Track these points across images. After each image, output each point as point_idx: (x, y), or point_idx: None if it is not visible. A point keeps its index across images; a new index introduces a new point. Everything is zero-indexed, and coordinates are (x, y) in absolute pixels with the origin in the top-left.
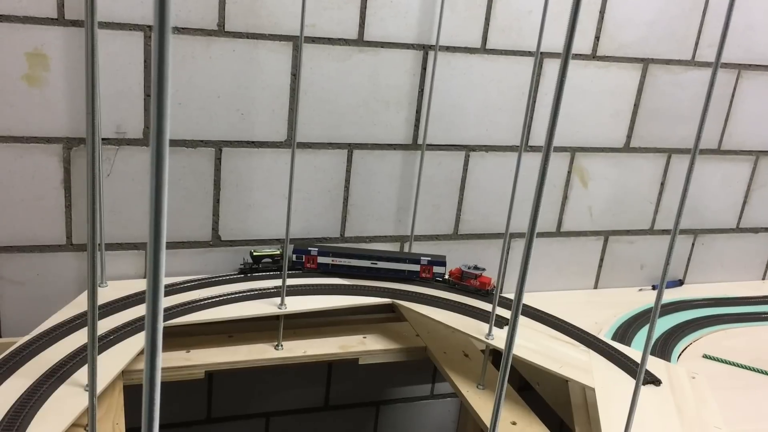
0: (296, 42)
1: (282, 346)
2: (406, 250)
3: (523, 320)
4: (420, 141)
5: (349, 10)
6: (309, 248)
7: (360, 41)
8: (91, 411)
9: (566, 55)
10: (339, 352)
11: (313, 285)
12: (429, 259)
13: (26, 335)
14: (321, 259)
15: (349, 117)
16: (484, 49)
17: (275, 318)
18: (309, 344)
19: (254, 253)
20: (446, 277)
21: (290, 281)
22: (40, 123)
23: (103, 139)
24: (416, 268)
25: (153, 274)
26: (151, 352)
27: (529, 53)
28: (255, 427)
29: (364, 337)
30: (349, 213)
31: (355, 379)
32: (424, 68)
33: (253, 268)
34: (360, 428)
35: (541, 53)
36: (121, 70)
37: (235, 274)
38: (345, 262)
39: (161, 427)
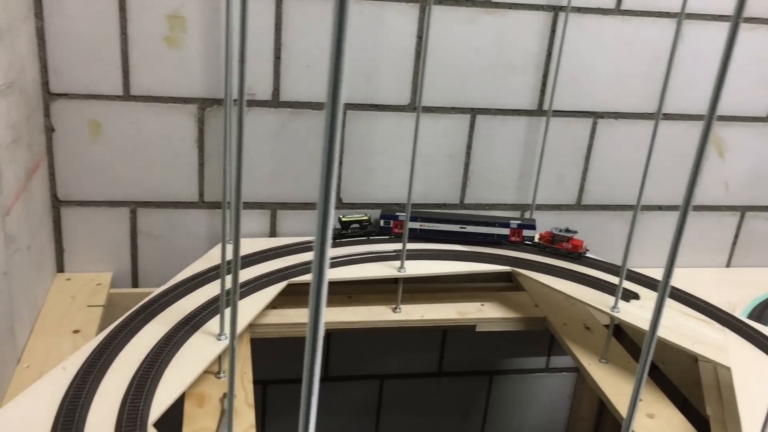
0: (423, 4)
1: (400, 309)
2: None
3: (650, 294)
4: (546, 107)
5: None
6: (397, 213)
7: (487, 2)
8: (231, 362)
9: (737, 17)
10: (456, 318)
11: (429, 250)
12: (519, 222)
13: (161, 286)
14: (409, 224)
15: (473, 81)
16: (618, 10)
17: (393, 282)
18: (426, 309)
19: (343, 219)
20: (536, 240)
21: (379, 246)
22: (178, 84)
23: (234, 100)
24: (506, 231)
25: (321, 235)
26: (315, 309)
27: (666, 14)
28: (370, 388)
29: (482, 305)
30: (469, 179)
31: (470, 347)
32: (553, 30)
33: (342, 234)
34: (472, 397)
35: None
36: (253, 33)
37: (357, 236)
38: (433, 226)
39: (282, 381)
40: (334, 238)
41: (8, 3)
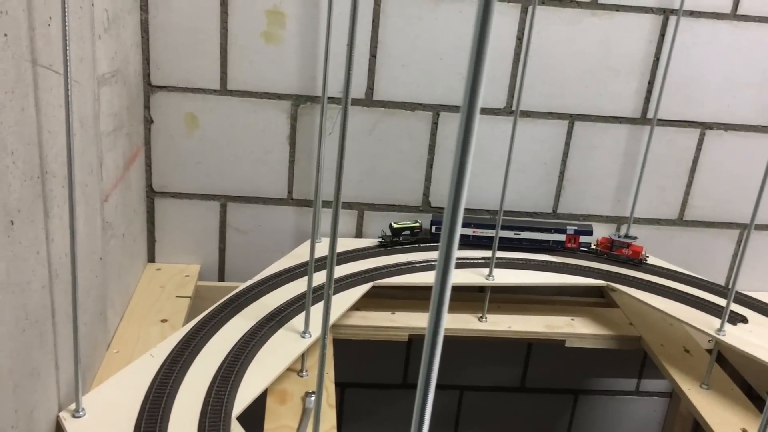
0: (525, 4)
1: (486, 318)
2: (623, 232)
3: (761, 319)
4: (650, 115)
5: None
6: None
7: (593, 3)
8: (321, 364)
9: None
10: (545, 332)
11: (518, 259)
12: (575, 228)
13: (246, 281)
14: (462, 231)
15: (573, 86)
16: (734, 15)
17: (478, 290)
18: (513, 320)
19: (394, 225)
20: (593, 246)
21: (433, 254)
22: (273, 79)
23: (328, 98)
24: (561, 237)
25: (447, 239)
26: (436, 314)
27: None
28: (448, 399)
29: (572, 319)
30: (564, 188)
31: (556, 363)
32: (662, 35)
33: (393, 241)
34: (555, 415)
35: None
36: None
37: (408, 244)
38: (487, 233)
39: (359, 385)
40: (384, 245)
41: None
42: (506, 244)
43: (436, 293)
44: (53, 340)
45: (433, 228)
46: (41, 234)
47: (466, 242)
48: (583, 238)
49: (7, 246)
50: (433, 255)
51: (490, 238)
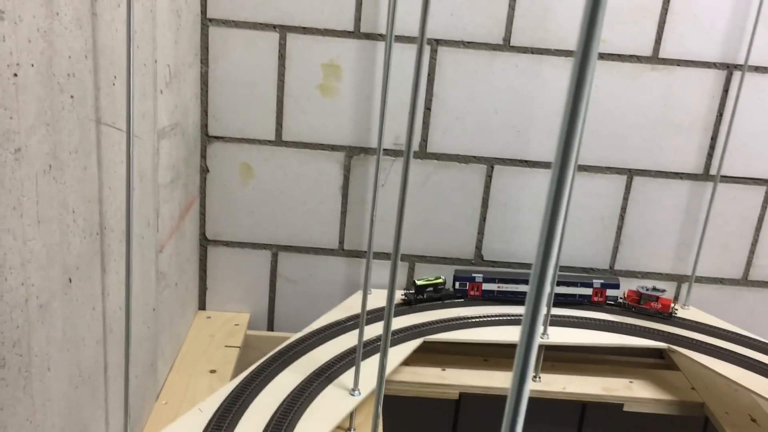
0: None
1: (540, 378)
2: (684, 292)
3: None
4: (713, 171)
5: (645, 24)
6: (473, 274)
7: (654, 58)
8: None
9: None
10: (602, 394)
11: (572, 317)
12: (602, 281)
13: (295, 331)
14: (486, 286)
15: (632, 140)
16: None
17: None
18: (568, 380)
19: (417, 283)
20: (620, 300)
21: (456, 311)
22: (327, 131)
23: (385, 150)
24: (588, 291)
25: (535, 297)
26: (521, 371)
27: None
28: None
29: (631, 382)
30: (621, 244)
31: (612, 427)
32: (725, 90)
33: (418, 299)
34: None
35: None
36: (405, 82)
37: (431, 300)
38: (512, 288)
39: None
40: (408, 303)
41: (179, 50)
42: None
43: (521, 353)
44: (104, 395)
45: (457, 284)
46: (97, 290)
47: (491, 297)
48: (609, 292)
49: (65, 304)
50: (513, 309)
51: (515, 293)
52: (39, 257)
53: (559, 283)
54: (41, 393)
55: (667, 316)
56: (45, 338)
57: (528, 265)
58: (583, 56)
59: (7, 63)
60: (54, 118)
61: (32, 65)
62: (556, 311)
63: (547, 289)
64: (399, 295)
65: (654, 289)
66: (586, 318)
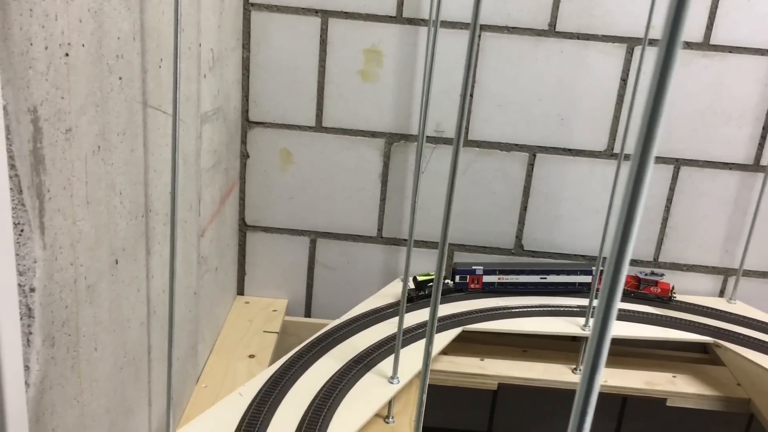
0: (631, 44)
1: (581, 370)
2: (730, 286)
3: None
4: (764, 162)
5: (696, 10)
6: (473, 267)
7: (705, 44)
8: (418, 411)
9: None
10: (644, 388)
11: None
12: (602, 269)
13: (332, 318)
14: (486, 278)
15: (680, 129)
16: None
17: (571, 339)
18: (610, 373)
19: (418, 278)
20: None
21: (456, 305)
22: (368, 117)
23: (427, 137)
24: (587, 279)
25: (609, 291)
26: (593, 361)
27: None
28: None
29: (674, 376)
30: (666, 236)
31: (653, 422)
32: None
33: (419, 295)
34: None
35: None
36: (449, 69)
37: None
38: (513, 279)
39: (442, 430)
40: (410, 299)
41: (221, 34)
42: (532, 289)
43: (592, 347)
44: (147, 377)
45: (458, 277)
46: (142, 272)
47: (492, 289)
48: None
49: (112, 285)
50: (556, 300)
51: (517, 284)
52: (88, 238)
53: (560, 272)
54: (88, 373)
55: (667, 301)
56: (92, 319)
57: (569, 256)
58: (669, 43)
59: (59, 42)
60: (103, 99)
61: (83, 45)
62: (560, 300)
63: (623, 281)
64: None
65: (652, 273)
66: (627, 311)
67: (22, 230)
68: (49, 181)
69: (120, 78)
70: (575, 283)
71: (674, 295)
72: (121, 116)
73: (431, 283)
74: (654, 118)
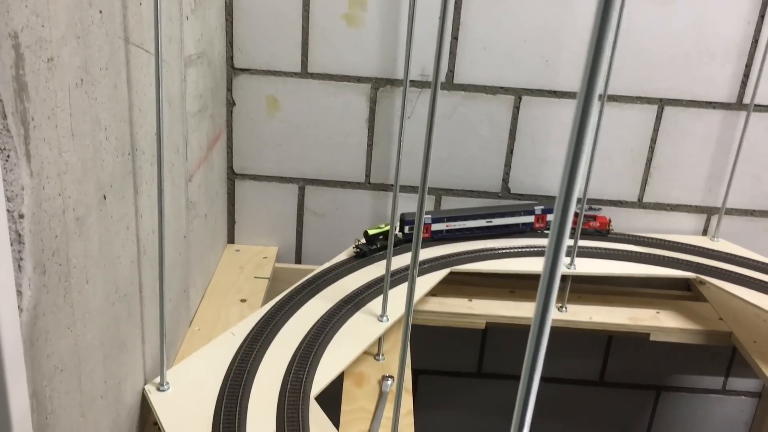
0: None
1: (566, 308)
2: (713, 224)
3: None
4: (746, 100)
5: None
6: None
7: None
8: (402, 352)
9: None
10: (628, 324)
11: (601, 248)
12: (543, 207)
13: (324, 264)
14: (435, 226)
15: (664, 69)
16: None
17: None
18: (595, 311)
19: (369, 233)
20: None
21: (444, 247)
22: (354, 62)
23: (411, 81)
24: (530, 219)
25: (558, 227)
26: (543, 304)
27: None
28: None
29: (658, 312)
30: (650, 176)
31: (638, 358)
32: (762, 15)
33: (371, 249)
34: (635, 411)
35: None
36: (433, 10)
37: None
38: (460, 225)
39: (434, 372)
40: (359, 255)
41: None
42: (479, 234)
43: (544, 283)
44: (140, 315)
45: (406, 228)
46: (131, 210)
47: (441, 237)
48: (550, 217)
49: (100, 220)
50: (543, 241)
51: (464, 229)
52: (74, 170)
53: (504, 214)
54: (81, 305)
55: (605, 233)
56: (82, 251)
57: (555, 198)
58: None
59: None
60: (84, 32)
61: None
62: (586, 243)
63: (570, 218)
64: (351, 248)
65: (591, 208)
66: (610, 249)
67: (8, 156)
68: (33, 109)
69: (100, 11)
70: (519, 224)
71: (611, 228)
72: (103, 50)
73: (381, 237)
74: (597, 55)
